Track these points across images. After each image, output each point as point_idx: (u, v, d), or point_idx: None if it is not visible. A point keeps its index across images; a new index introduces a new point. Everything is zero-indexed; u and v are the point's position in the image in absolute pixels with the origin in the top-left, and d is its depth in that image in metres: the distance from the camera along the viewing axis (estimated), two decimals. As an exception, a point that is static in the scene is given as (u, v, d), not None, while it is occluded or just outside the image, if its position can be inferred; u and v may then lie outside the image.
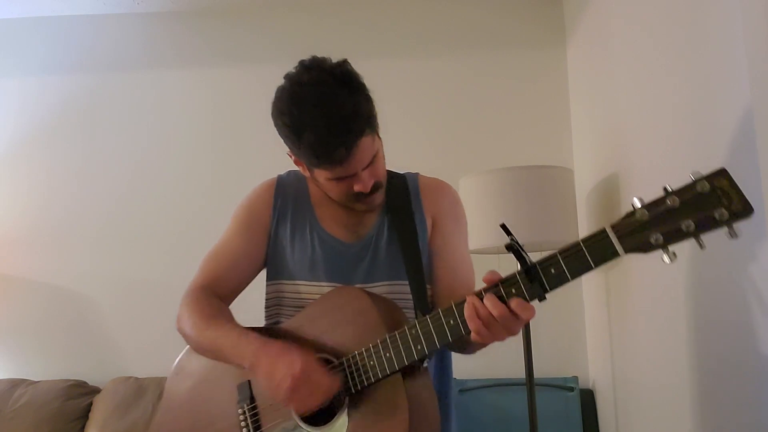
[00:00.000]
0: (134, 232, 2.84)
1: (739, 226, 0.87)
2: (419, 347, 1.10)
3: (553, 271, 0.98)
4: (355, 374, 1.16)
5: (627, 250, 0.93)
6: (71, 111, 2.94)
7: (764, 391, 1.17)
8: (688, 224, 0.89)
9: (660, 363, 1.74)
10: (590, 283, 2.51)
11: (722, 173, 0.88)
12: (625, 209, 2.09)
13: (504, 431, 2.41)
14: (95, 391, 2.60)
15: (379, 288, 1.32)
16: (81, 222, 2.85)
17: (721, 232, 0.88)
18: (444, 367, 1.41)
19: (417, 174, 1.46)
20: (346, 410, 1.17)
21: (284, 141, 1.28)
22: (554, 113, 2.76)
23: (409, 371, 1.15)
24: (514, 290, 1.02)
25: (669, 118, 1.62)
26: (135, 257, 2.82)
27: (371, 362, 1.14)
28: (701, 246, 0.90)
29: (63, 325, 2.78)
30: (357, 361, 1.16)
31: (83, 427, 2.49)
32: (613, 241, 0.93)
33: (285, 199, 1.42)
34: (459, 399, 2.45)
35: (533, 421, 2.09)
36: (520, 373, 2.16)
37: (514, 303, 1.00)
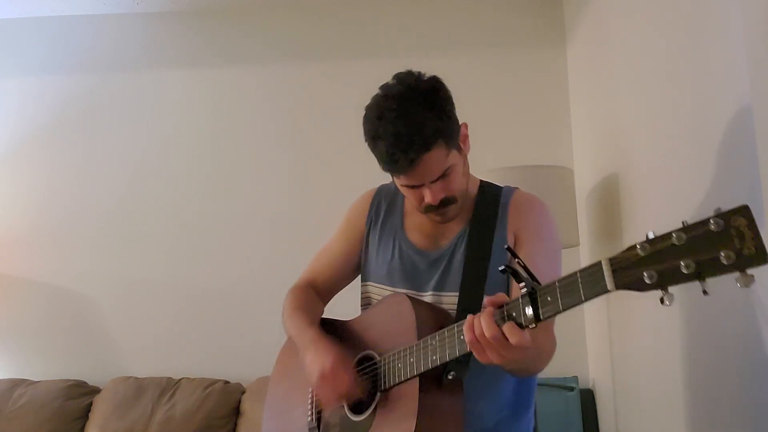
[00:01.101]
0: (134, 232, 2.84)
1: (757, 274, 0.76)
2: (434, 357, 1.14)
3: (549, 298, 0.95)
4: (386, 374, 1.24)
5: (618, 286, 0.86)
6: (71, 111, 2.94)
7: (764, 391, 1.17)
8: (688, 264, 0.80)
9: (660, 363, 1.74)
10: (590, 283, 2.51)
11: (742, 211, 0.77)
12: (625, 209, 2.08)
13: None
14: (95, 391, 2.60)
15: (450, 297, 1.36)
16: (81, 222, 2.85)
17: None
18: (524, 380, 1.40)
19: (515, 189, 1.47)
20: (375, 404, 1.25)
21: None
22: (554, 113, 2.76)
23: (433, 380, 1.19)
24: (514, 314, 0.99)
25: (669, 118, 1.62)
26: (135, 257, 2.82)
27: (399, 364, 1.21)
28: (705, 292, 0.80)
29: (63, 325, 2.78)
30: (390, 361, 1.24)
31: (83, 427, 2.49)
32: (605, 274, 0.86)
33: (380, 206, 1.53)
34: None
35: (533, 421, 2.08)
36: (520, 373, 2.15)
37: (507, 327, 0.98)
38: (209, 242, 2.81)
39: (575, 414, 2.41)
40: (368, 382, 1.28)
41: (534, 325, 0.97)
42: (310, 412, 1.40)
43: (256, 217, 2.81)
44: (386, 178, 1.42)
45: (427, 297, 1.38)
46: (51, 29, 2.99)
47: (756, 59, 1.12)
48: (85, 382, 2.64)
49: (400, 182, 1.35)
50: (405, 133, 1.24)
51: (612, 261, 0.87)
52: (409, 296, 1.31)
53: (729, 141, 1.28)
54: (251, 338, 2.62)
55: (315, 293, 1.54)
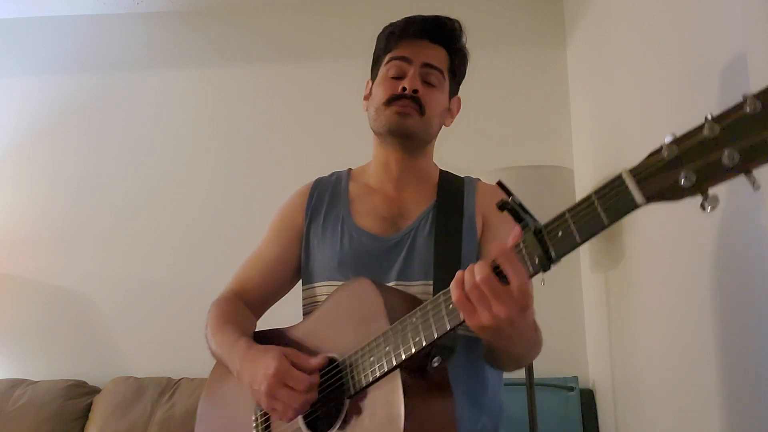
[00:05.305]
0: (135, 232, 2.83)
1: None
2: (417, 339, 0.94)
3: (560, 233, 0.79)
4: (354, 374, 1.02)
5: (649, 198, 0.72)
6: (72, 111, 2.94)
7: (764, 391, 1.17)
8: (731, 154, 0.66)
9: (660, 363, 1.74)
10: (590, 283, 2.51)
11: None
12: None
13: (504, 431, 2.41)
14: (95, 391, 2.60)
15: (416, 288, 1.20)
16: (82, 222, 2.85)
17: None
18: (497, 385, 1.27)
19: (478, 179, 1.42)
20: (344, 415, 1.03)
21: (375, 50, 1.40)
22: (554, 113, 2.76)
23: (415, 371, 0.99)
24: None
25: (669, 118, 1.61)
26: (136, 257, 2.82)
27: (371, 359, 0.99)
28: (754, 185, 0.66)
29: (63, 325, 2.78)
30: (358, 358, 1.02)
31: (83, 427, 2.49)
32: (629, 186, 0.72)
33: (320, 198, 1.38)
34: (459, 399, 2.45)
35: (533, 421, 2.09)
36: (520, 373, 2.15)
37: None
38: (210, 242, 2.80)
39: (575, 414, 2.40)
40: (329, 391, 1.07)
41: (548, 268, 0.81)
42: None
43: (258, 217, 2.78)
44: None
45: None
46: (51, 29, 2.99)
47: (756, 59, 1.12)
48: (85, 382, 2.64)
49: (393, 55, 1.33)
50: (433, 18, 1.33)
51: (634, 171, 0.74)
52: (370, 279, 1.10)
53: (729, 140, 1.28)
54: (251, 338, 2.61)
55: (245, 305, 1.33)
